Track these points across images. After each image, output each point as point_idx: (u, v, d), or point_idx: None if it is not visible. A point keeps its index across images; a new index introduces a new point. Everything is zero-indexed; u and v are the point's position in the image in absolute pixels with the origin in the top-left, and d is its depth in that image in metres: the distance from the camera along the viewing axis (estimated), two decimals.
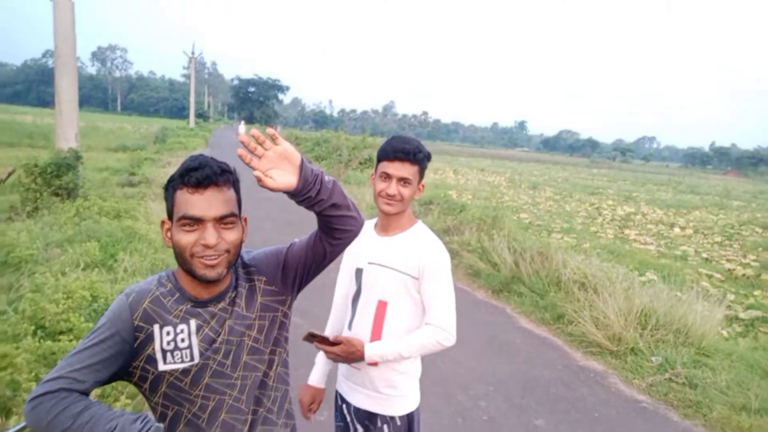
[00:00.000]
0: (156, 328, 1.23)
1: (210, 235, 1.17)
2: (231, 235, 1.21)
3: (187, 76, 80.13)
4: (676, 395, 4.17)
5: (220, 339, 1.27)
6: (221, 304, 1.29)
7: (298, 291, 1.43)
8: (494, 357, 4.76)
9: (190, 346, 1.24)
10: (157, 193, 9.95)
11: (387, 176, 1.80)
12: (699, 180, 54.69)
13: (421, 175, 1.85)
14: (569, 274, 6.18)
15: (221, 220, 1.19)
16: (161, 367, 1.23)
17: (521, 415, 3.76)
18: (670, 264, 9.37)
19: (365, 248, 1.89)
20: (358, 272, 1.93)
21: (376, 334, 1.85)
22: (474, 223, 8.58)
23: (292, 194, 1.18)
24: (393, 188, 1.79)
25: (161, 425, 1.11)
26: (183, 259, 1.21)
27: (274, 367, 1.38)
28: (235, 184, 1.24)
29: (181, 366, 1.24)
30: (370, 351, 1.78)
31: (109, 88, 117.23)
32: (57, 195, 8.20)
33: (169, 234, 1.23)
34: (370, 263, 1.88)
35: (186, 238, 1.19)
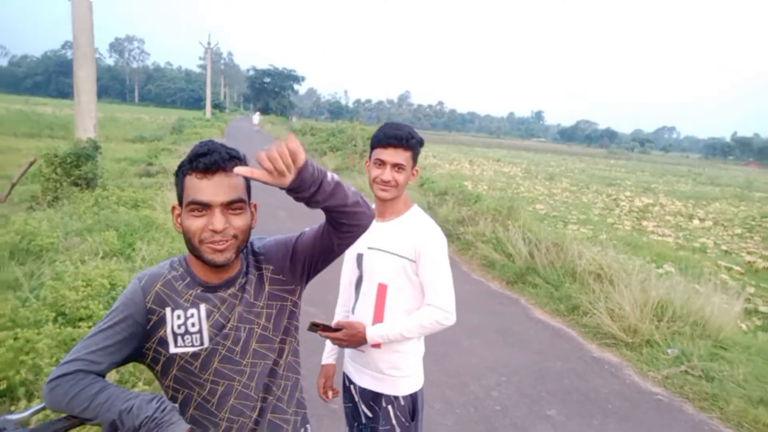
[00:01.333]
0: (168, 311, 1.25)
1: (218, 220, 1.18)
2: (239, 221, 1.22)
3: (204, 67, 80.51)
4: (692, 388, 4.12)
5: (229, 325, 1.28)
6: (231, 290, 1.30)
7: (307, 281, 1.43)
8: (507, 348, 4.75)
9: (200, 331, 1.26)
10: (173, 183, 10.05)
11: (381, 163, 1.84)
12: (719, 171, 53.67)
13: (415, 160, 1.89)
14: (585, 266, 6.12)
15: (229, 206, 1.20)
16: (172, 350, 1.25)
17: (533, 406, 3.75)
18: (689, 256, 9.24)
19: (364, 234, 1.91)
20: (359, 257, 1.97)
21: (378, 317, 1.91)
22: (489, 213, 8.54)
23: (285, 190, 1.14)
24: (387, 174, 1.83)
25: (176, 405, 1.13)
26: (192, 245, 1.22)
27: (284, 356, 1.38)
28: None
29: (191, 350, 1.26)
30: (372, 333, 1.83)
31: (126, 79, 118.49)
32: (76, 185, 8.34)
33: (179, 219, 1.25)
34: (369, 248, 1.93)
35: (195, 224, 1.20)
